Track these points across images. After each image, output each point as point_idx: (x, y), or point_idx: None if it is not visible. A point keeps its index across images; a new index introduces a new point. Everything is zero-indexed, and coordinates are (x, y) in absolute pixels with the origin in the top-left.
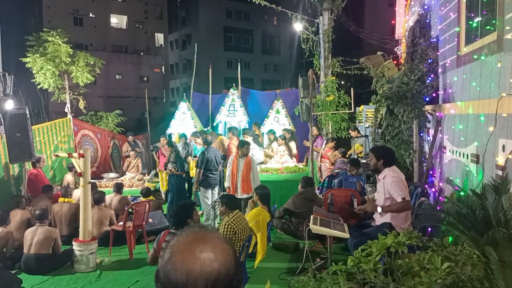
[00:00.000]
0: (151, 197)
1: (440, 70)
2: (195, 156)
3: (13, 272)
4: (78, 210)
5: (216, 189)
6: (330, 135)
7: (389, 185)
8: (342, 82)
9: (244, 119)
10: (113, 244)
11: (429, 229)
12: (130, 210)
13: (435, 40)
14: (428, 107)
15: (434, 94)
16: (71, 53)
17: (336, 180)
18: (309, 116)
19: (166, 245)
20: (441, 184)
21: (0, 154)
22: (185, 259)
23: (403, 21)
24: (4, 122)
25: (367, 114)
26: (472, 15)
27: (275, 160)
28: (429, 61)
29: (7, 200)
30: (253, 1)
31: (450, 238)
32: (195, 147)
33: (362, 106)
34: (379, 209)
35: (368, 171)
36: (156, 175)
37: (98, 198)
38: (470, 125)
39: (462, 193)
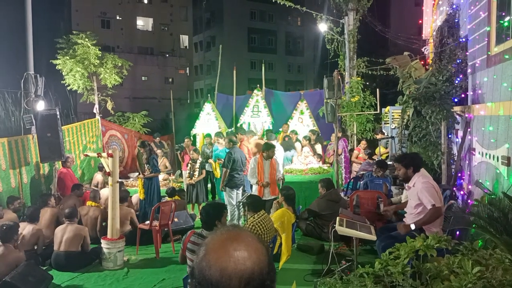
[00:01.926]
0: (177, 197)
1: (469, 70)
2: (218, 159)
3: (44, 268)
4: (102, 215)
5: (241, 189)
6: (355, 137)
7: (420, 191)
8: (368, 83)
9: (268, 120)
10: (139, 243)
11: (457, 232)
12: (156, 209)
13: (464, 40)
14: (456, 108)
15: (463, 95)
16: (100, 55)
17: (361, 182)
18: (334, 117)
19: (193, 246)
20: (470, 187)
21: (32, 153)
22: (219, 256)
23: (431, 21)
24: (36, 122)
25: (393, 115)
26: (503, 14)
27: (299, 161)
28: (458, 61)
29: (38, 199)
30: (278, 2)
31: (480, 242)
32: (215, 148)
33: (388, 107)
34: (413, 226)
35: (394, 173)
36: (180, 175)
37: (122, 197)
38: (501, 126)
39: (492, 196)
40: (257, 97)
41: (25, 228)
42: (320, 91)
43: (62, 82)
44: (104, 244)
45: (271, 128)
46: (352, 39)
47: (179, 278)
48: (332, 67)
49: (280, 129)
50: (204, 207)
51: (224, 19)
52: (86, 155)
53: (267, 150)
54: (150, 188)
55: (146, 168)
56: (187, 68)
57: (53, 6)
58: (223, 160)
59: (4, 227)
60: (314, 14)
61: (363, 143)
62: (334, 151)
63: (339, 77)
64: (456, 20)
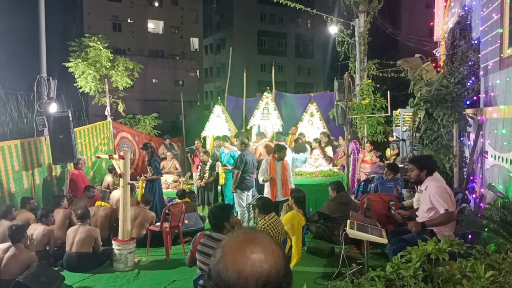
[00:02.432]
0: (187, 199)
1: (481, 72)
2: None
3: (55, 269)
4: (113, 215)
5: (251, 191)
6: (366, 139)
7: (432, 195)
8: (378, 85)
9: (278, 122)
10: (150, 244)
11: (470, 236)
12: (166, 211)
13: (476, 42)
14: (469, 111)
15: (475, 97)
16: (111, 58)
17: (372, 185)
18: (345, 120)
19: (203, 247)
20: (482, 190)
21: (44, 155)
22: (236, 258)
23: (442, 23)
24: (48, 124)
25: (404, 118)
26: None
27: (309, 163)
28: (470, 63)
29: (50, 200)
30: (288, 4)
31: (493, 245)
32: (221, 151)
33: (399, 110)
34: (423, 224)
35: (405, 176)
36: (191, 177)
37: (147, 200)
38: None
39: (505, 200)
40: (267, 99)
41: (37, 229)
42: (330, 94)
43: (74, 84)
44: (115, 245)
45: (281, 130)
46: (362, 41)
47: (189, 279)
48: (342, 69)
49: (290, 132)
50: (211, 209)
51: (234, 21)
52: (98, 157)
53: (278, 151)
54: (151, 190)
55: (148, 170)
56: (197, 71)
57: (65, 9)
58: (227, 165)
59: (14, 227)
60: (324, 17)
61: (368, 146)
62: (344, 153)
63: (349, 80)
64: (468, 22)
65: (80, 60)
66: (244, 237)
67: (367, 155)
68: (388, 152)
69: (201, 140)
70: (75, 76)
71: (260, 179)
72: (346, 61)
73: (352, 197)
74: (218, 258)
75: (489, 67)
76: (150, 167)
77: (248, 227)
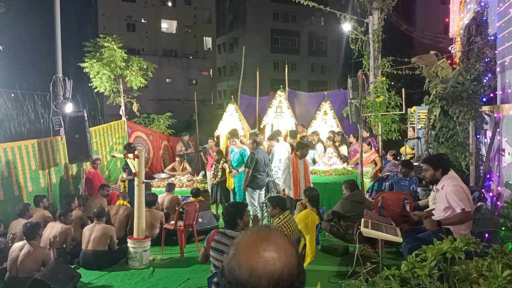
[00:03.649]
0: (201, 197)
1: (498, 69)
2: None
3: (72, 267)
4: (131, 214)
5: (264, 190)
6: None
7: (448, 194)
8: (393, 83)
9: (291, 121)
10: (164, 242)
11: (487, 234)
12: (181, 209)
13: (492, 38)
14: (485, 108)
15: (491, 94)
16: (126, 58)
17: (386, 183)
18: (359, 118)
19: (217, 244)
20: (499, 188)
21: (61, 154)
22: (249, 256)
23: (458, 19)
24: (64, 124)
25: (419, 115)
26: None
27: (323, 162)
28: (486, 60)
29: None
30: (301, 2)
31: (510, 244)
32: (231, 149)
33: (414, 107)
34: (439, 222)
35: (420, 174)
36: (205, 175)
37: (151, 201)
38: None
39: None
40: (280, 98)
41: (54, 227)
42: (344, 92)
43: (89, 84)
44: (130, 243)
45: (294, 129)
46: (376, 38)
47: (203, 277)
48: (356, 67)
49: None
50: (226, 206)
51: (247, 20)
52: (113, 156)
53: (300, 149)
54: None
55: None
56: (211, 70)
57: (80, 10)
58: (234, 171)
59: (28, 225)
60: (337, 14)
61: (364, 146)
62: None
63: (363, 77)
64: (484, 18)
65: (95, 60)
66: (257, 235)
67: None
68: (403, 149)
69: (215, 139)
70: (90, 76)
71: (283, 185)
72: (360, 59)
73: (367, 195)
74: (231, 256)
75: (506, 63)
76: (126, 168)
77: (262, 225)
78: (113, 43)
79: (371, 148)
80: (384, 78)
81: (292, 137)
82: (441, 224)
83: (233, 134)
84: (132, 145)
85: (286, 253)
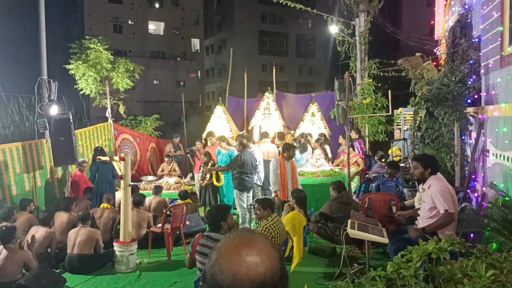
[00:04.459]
0: (188, 200)
1: (482, 71)
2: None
3: (57, 271)
4: (117, 217)
5: (251, 192)
6: (367, 139)
7: (434, 194)
8: (379, 85)
9: (279, 122)
10: (151, 246)
11: (472, 235)
12: (168, 212)
13: (476, 40)
14: (470, 109)
15: (476, 96)
16: (112, 59)
17: (373, 184)
18: (346, 119)
19: (202, 248)
20: (484, 188)
21: (46, 157)
22: (231, 261)
23: (443, 21)
24: (49, 126)
25: (405, 117)
26: None
27: (311, 163)
28: (471, 62)
29: (52, 202)
30: (288, 4)
31: (494, 244)
32: (218, 151)
33: (400, 109)
34: (421, 222)
35: (406, 175)
36: (192, 178)
37: (138, 201)
38: None
39: (507, 198)
40: (268, 100)
41: (38, 231)
42: (332, 93)
43: (75, 86)
44: (116, 247)
45: (282, 130)
46: (363, 40)
47: (190, 281)
48: (343, 69)
49: (292, 131)
50: (209, 210)
51: (235, 22)
52: (99, 159)
53: (287, 150)
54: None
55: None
56: (199, 72)
57: (66, 11)
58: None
59: (3, 229)
60: (324, 16)
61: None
62: (345, 152)
63: (350, 79)
64: (469, 21)
65: (80, 62)
66: (240, 239)
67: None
68: (390, 151)
69: (202, 141)
70: (76, 78)
71: (272, 187)
72: (347, 61)
73: (354, 196)
74: (213, 261)
75: (490, 65)
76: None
77: (244, 229)
78: (99, 44)
79: (354, 150)
80: (370, 80)
81: (280, 139)
82: (425, 231)
83: (221, 139)
84: (99, 148)
85: (268, 257)
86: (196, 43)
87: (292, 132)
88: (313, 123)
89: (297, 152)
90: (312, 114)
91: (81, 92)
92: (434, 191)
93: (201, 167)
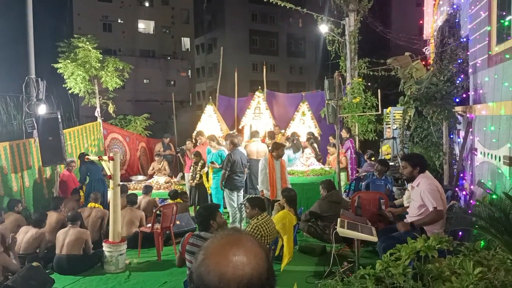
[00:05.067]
0: (179, 199)
1: (470, 70)
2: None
3: (46, 272)
4: (105, 217)
5: (242, 191)
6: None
7: (423, 192)
8: (369, 84)
9: (270, 121)
10: (141, 245)
11: (460, 233)
12: (158, 212)
13: (465, 39)
14: (458, 108)
15: (464, 95)
16: (101, 58)
17: (363, 183)
18: (335, 118)
19: (192, 247)
20: (472, 187)
21: (34, 157)
22: (218, 261)
23: (432, 21)
24: (37, 126)
25: (394, 116)
26: (504, 13)
27: (301, 162)
28: (459, 61)
29: (40, 202)
30: (279, 3)
31: (482, 242)
32: (208, 150)
33: (389, 108)
34: (410, 219)
35: (395, 174)
36: (183, 177)
37: (133, 200)
38: (503, 126)
39: (494, 196)
40: (259, 99)
41: (28, 231)
42: (322, 93)
43: (63, 85)
44: (105, 247)
45: (272, 130)
46: (353, 40)
47: (180, 280)
48: (333, 68)
49: (282, 130)
50: (198, 209)
51: (226, 21)
52: (88, 159)
53: (276, 149)
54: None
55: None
56: (189, 71)
57: (55, 10)
58: (215, 163)
59: None
60: (315, 16)
61: (332, 149)
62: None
63: (339, 78)
64: (457, 20)
65: (69, 61)
66: (226, 239)
67: (330, 158)
68: (383, 150)
69: (193, 140)
70: (64, 77)
71: (260, 187)
72: (337, 60)
73: (344, 195)
74: (200, 261)
75: (478, 64)
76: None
77: (231, 228)
78: (87, 43)
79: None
80: (360, 79)
81: (271, 138)
82: (414, 225)
83: (211, 138)
84: (84, 154)
85: (255, 257)
86: (186, 42)
87: (283, 131)
88: (304, 122)
89: (290, 151)
90: (303, 113)
91: (70, 91)
92: (423, 188)
93: (192, 167)
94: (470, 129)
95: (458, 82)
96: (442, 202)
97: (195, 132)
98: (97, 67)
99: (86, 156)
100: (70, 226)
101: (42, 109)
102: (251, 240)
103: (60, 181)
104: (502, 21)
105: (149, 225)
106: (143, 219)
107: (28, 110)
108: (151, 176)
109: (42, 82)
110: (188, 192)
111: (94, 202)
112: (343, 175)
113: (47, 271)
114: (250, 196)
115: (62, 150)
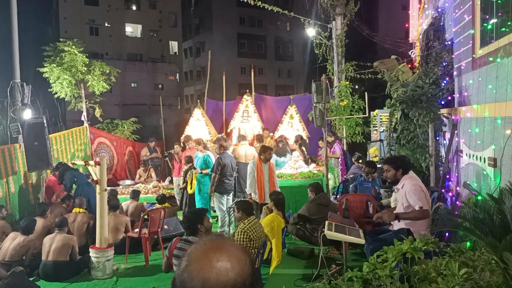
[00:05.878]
0: (167, 204)
1: (455, 73)
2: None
3: (31, 279)
4: (91, 221)
5: (231, 195)
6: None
7: (407, 192)
8: (356, 87)
9: (258, 125)
10: (129, 251)
11: (447, 234)
12: (145, 217)
13: (449, 42)
14: (443, 111)
15: (449, 97)
16: (87, 62)
17: (351, 185)
18: (323, 121)
19: (179, 252)
20: (458, 188)
21: (19, 162)
22: (201, 267)
23: (417, 24)
24: (23, 131)
25: (381, 118)
26: (487, 17)
27: (289, 165)
28: (444, 64)
29: (26, 208)
30: (266, 7)
31: (468, 243)
32: (196, 154)
33: (376, 111)
34: (396, 222)
35: (382, 176)
36: (171, 181)
37: (114, 205)
38: (487, 128)
39: (479, 198)
40: (247, 102)
41: (16, 238)
42: (310, 96)
43: (49, 90)
44: (92, 253)
45: (261, 133)
46: (340, 43)
47: (168, 285)
48: (321, 71)
49: (271, 134)
50: (185, 213)
51: (213, 24)
52: (74, 164)
53: (263, 152)
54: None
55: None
56: (177, 74)
57: (40, 13)
58: (197, 168)
59: None
60: (302, 19)
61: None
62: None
63: (327, 81)
64: (442, 24)
65: (55, 65)
66: (210, 244)
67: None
68: (370, 152)
69: (181, 144)
70: (50, 81)
71: (249, 190)
72: (325, 63)
73: (332, 198)
74: (183, 267)
75: (462, 67)
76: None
77: (215, 234)
78: (73, 47)
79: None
80: (347, 82)
81: (259, 141)
82: (399, 217)
83: (197, 142)
84: (62, 163)
85: (239, 263)
86: (174, 45)
87: (272, 134)
88: (292, 125)
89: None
90: (291, 116)
91: (56, 96)
92: (407, 189)
93: (187, 172)
94: (456, 131)
95: (443, 84)
96: (426, 201)
97: (183, 136)
98: (83, 71)
99: (72, 161)
100: (57, 232)
101: (27, 114)
102: (235, 245)
103: (46, 186)
104: (486, 24)
105: (137, 230)
106: (128, 225)
107: (13, 115)
108: (138, 182)
109: (27, 87)
110: (179, 197)
111: (79, 208)
112: (335, 171)
113: (32, 278)
114: (239, 199)
115: (48, 155)
